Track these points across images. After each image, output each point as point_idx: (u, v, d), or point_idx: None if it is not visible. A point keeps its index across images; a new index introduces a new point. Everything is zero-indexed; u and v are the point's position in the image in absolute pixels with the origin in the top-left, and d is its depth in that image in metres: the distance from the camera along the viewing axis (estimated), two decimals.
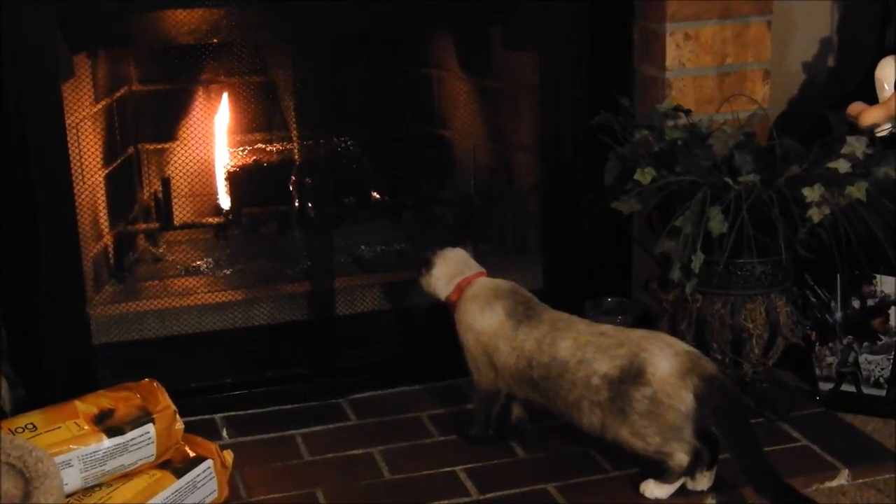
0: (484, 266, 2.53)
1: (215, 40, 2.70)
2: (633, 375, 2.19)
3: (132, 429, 2.14)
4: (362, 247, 3.07)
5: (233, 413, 2.68)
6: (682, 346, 2.24)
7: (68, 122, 2.54)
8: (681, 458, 2.21)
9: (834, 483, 2.35)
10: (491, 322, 2.39)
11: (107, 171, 2.85)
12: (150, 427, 2.16)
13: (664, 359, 2.18)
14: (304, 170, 3.02)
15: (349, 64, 2.99)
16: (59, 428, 2.10)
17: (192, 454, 2.23)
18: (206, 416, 2.64)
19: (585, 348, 2.26)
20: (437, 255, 2.49)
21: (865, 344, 2.64)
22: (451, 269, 2.48)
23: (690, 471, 2.23)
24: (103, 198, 2.82)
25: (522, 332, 2.35)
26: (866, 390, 2.65)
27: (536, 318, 2.36)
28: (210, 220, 3.15)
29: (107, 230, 2.86)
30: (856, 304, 2.63)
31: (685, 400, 2.16)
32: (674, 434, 2.19)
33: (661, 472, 2.25)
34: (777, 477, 2.11)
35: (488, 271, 2.52)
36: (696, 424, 2.19)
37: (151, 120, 3.13)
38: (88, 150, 2.69)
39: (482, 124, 3.16)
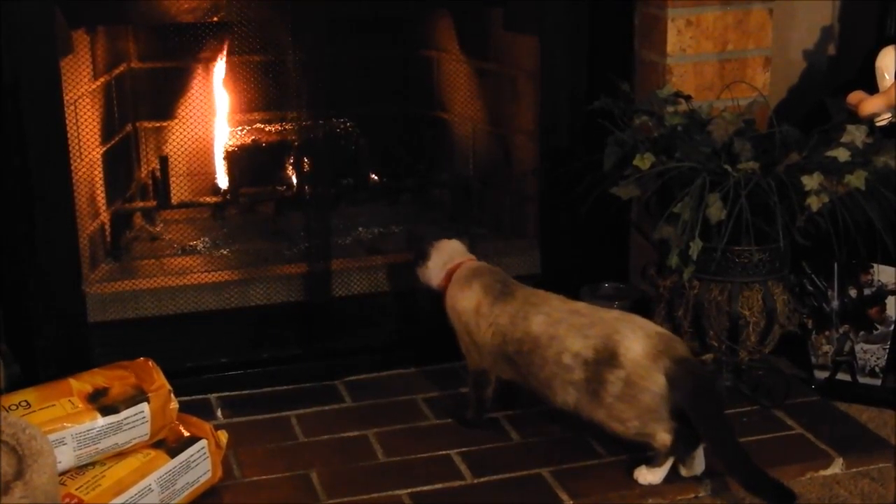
0: (482, 251, 2.55)
1: (215, 19, 2.69)
2: (606, 357, 2.21)
3: (126, 408, 2.14)
4: (360, 228, 3.06)
5: (228, 393, 2.68)
6: (655, 328, 2.26)
7: (67, 98, 2.54)
8: (663, 437, 2.22)
9: (828, 471, 2.35)
10: (470, 300, 2.43)
11: (104, 149, 2.84)
12: (144, 406, 2.16)
13: (636, 341, 2.20)
14: (303, 150, 3.01)
15: (348, 44, 2.98)
16: (53, 406, 2.10)
17: (186, 434, 2.23)
18: (201, 396, 2.64)
19: (558, 325, 2.29)
20: (433, 246, 2.54)
21: (862, 333, 2.64)
22: (444, 259, 2.53)
23: (676, 451, 2.24)
24: (100, 175, 2.81)
25: (497, 308, 2.38)
26: (862, 379, 2.65)
27: (511, 295, 2.40)
28: (207, 199, 3.15)
29: (104, 208, 2.85)
30: (853, 292, 2.63)
31: (658, 381, 2.18)
32: (652, 416, 2.20)
33: (649, 457, 2.26)
34: (747, 458, 2.14)
35: (486, 256, 2.53)
36: (671, 405, 2.19)
37: (150, 98, 3.11)
38: (86, 127, 2.68)
39: (481, 107, 3.15)
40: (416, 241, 2.58)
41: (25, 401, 2.10)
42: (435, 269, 2.52)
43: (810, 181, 2.34)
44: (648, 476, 2.26)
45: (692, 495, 2.25)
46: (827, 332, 2.66)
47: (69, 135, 2.54)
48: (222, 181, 3.11)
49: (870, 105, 2.65)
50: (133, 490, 2.09)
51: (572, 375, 2.24)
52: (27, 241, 2.53)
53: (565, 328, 2.27)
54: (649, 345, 2.20)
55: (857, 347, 2.64)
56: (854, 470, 2.36)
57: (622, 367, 2.19)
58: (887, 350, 2.62)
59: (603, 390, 2.21)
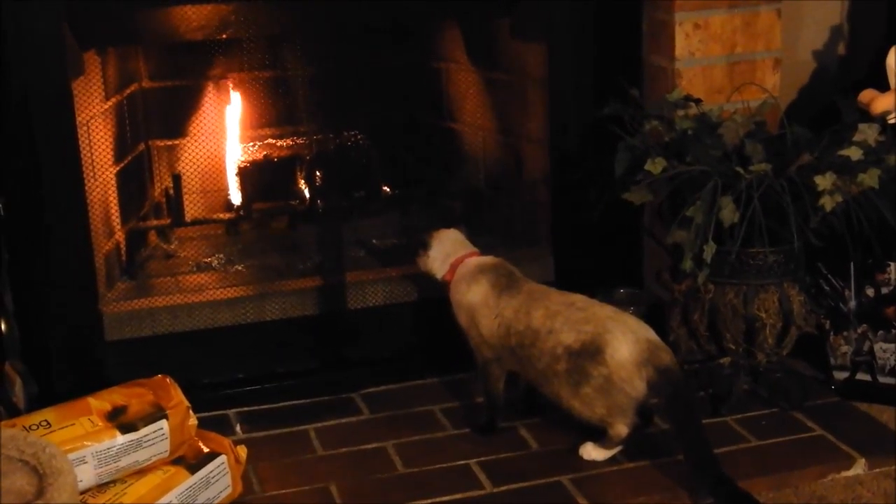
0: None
1: (224, 36, 2.70)
2: (591, 352, 2.27)
3: (145, 425, 2.15)
4: (373, 240, 3.07)
5: (246, 408, 2.68)
6: (645, 332, 2.31)
7: (79, 119, 2.55)
8: (621, 429, 2.32)
9: (850, 472, 2.34)
10: (477, 294, 2.47)
11: (118, 168, 2.85)
12: (163, 423, 2.17)
13: (625, 344, 2.27)
14: (314, 164, 3.02)
15: (358, 57, 2.99)
16: (72, 425, 2.10)
17: (205, 450, 2.24)
18: (220, 412, 2.64)
19: (555, 318, 2.34)
20: (432, 236, 2.58)
21: (880, 332, 2.63)
22: (446, 249, 2.56)
23: (627, 444, 2.33)
24: (115, 195, 2.83)
25: (503, 301, 2.44)
26: (882, 379, 2.64)
27: (516, 289, 2.45)
28: (221, 215, 3.16)
29: (118, 227, 2.86)
30: (869, 292, 2.62)
31: (637, 387, 2.26)
32: (619, 410, 2.29)
33: (599, 437, 2.34)
34: (717, 469, 2.18)
35: None
36: (642, 406, 2.30)
37: (162, 116, 3.13)
38: (99, 147, 2.69)
39: (491, 116, 3.15)
40: (415, 231, 2.62)
41: (45, 420, 2.11)
42: (437, 259, 2.56)
43: (823, 181, 2.34)
44: (594, 453, 2.36)
45: (710, 500, 2.24)
46: (845, 333, 2.65)
47: (83, 155, 2.55)
48: (235, 197, 3.12)
49: (881, 103, 2.65)
50: None
51: (559, 366, 2.31)
52: (43, 261, 2.54)
53: (561, 322, 2.33)
54: (636, 350, 2.26)
55: (876, 347, 2.63)
56: (877, 470, 2.35)
57: (605, 366, 2.26)
58: None
59: (584, 381, 2.28)
